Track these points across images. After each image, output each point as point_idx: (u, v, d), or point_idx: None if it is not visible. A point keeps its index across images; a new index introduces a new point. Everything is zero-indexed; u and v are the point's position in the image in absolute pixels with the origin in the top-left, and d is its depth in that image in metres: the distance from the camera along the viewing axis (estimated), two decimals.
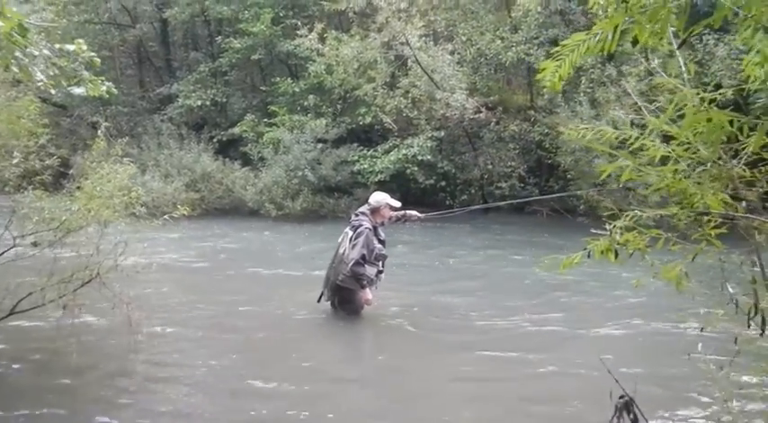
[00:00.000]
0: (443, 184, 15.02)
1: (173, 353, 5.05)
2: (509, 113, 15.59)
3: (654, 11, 1.28)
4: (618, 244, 1.62)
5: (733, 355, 1.99)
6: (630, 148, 1.92)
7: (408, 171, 13.87)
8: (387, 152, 14.08)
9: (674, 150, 1.57)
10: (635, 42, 1.44)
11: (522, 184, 15.03)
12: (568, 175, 13.70)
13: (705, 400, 3.41)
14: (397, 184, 14.21)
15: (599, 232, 1.71)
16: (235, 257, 9.40)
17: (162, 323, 5.55)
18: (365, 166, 13.96)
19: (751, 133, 1.74)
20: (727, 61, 11.04)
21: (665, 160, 2.03)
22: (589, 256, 1.71)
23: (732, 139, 1.77)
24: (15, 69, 4.40)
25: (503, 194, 14.95)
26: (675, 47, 1.72)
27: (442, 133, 14.43)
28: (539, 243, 10.90)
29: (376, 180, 13.63)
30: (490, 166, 15.09)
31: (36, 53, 4.57)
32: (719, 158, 1.56)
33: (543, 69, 1.61)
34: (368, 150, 14.50)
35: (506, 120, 15.09)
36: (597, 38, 1.42)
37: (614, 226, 1.67)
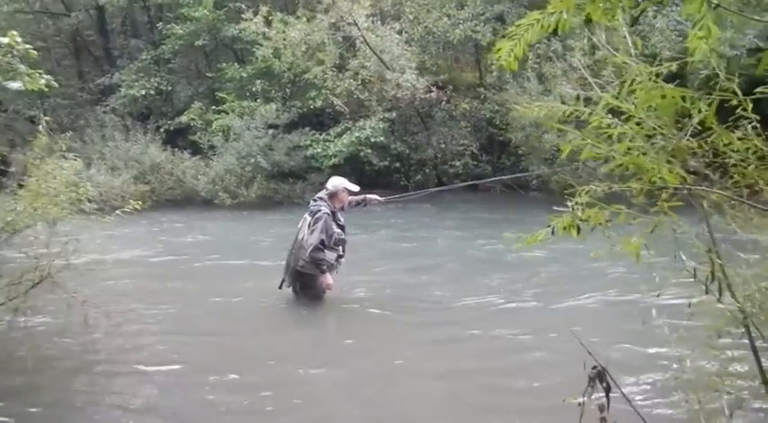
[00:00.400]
0: (397, 165, 15.08)
1: (133, 350, 4.95)
2: (459, 92, 15.72)
3: None
4: (580, 220, 1.67)
5: (687, 319, 2.09)
6: (585, 125, 1.97)
7: (362, 154, 13.85)
8: (339, 135, 14.02)
9: (630, 128, 1.62)
10: (588, 20, 1.47)
11: (476, 162, 15.22)
12: (519, 151, 13.95)
13: (664, 362, 3.57)
14: (351, 166, 14.19)
15: (561, 209, 1.76)
16: (191, 249, 9.24)
17: (120, 320, 5.42)
18: (318, 150, 13.88)
19: (692, 107, 1.81)
20: (667, 32, 11.36)
21: (613, 135, 2.10)
22: (553, 233, 1.75)
23: (677, 112, 1.84)
24: None
25: (456, 173, 15.12)
26: (624, 24, 1.76)
27: (394, 114, 14.44)
28: (500, 220, 11.08)
29: (330, 164, 13.58)
30: (443, 146, 15.22)
31: None
32: (673, 134, 1.62)
33: (499, 49, 1.63)
34: (320, 134, 14.40)
35: (457, 98, 15.21)
36: (553, 17, 1.44)
37: (576, 202, 1.71)
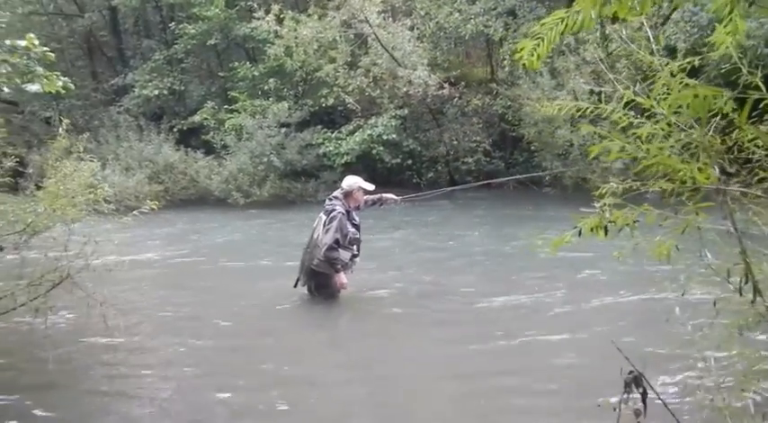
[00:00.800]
0: (410, 162, 15.05)
1: (151, 350, 5.00)
2: (471, 87, 15.65)
3: None
4: (609, 222, 1.65)
5: (711, 317, 2.07)
6: (601, 121, 1.95)
7: (374, 151, 13.84)
8: (351, 133, 14.01)
9: (661, 128, 1.60)
10: (615, 19, 1.46)
11: (488, 158, 15.16)
12: (532, 147, 13.88)
13: (689, 361, 3.51)
14: (364, 164, 14.19)
15: (587, 210, 1.74)
16: (207, 249, 9.30)
17: (138, 321, 5.47)
18: (330, 148, 13.89)
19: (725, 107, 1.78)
20: (681, 24, 11.25)
21: (628, 129, 2.08)
22: (580, 235, 1.74)
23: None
24: None
25: (469, 170, 15.08)
26: (649, 21, 1.74)
27: (406, 111, 14.41)
28: (516, 216, 11.02)
29: (342, 162, 13.59)
30: (455, 142, 15.17)
31: None
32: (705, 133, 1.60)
33: (521, 48, 1.62)
34: (332, 132, 14.41)
35: (468, 94, 15.15)
36: (579, 16, 1.43)
37: (603, 203, 1.70)
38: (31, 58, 4.86)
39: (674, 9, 9.06)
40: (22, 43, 4.69)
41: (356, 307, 5.87)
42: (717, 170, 1.60)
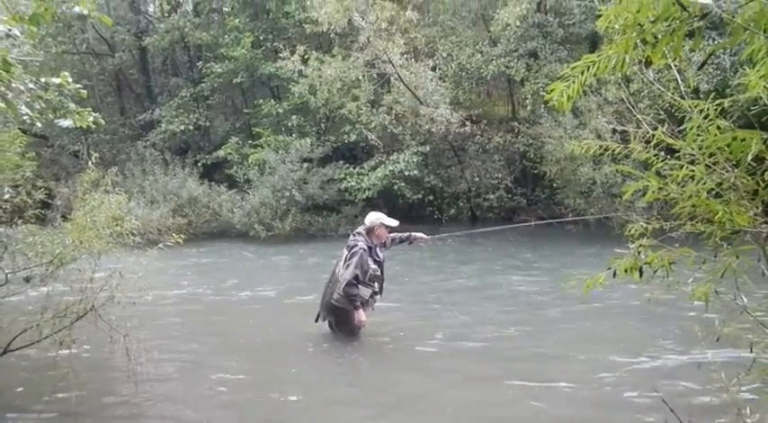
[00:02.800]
0: (431, 198, 15.10)
1: (174, 385, 4.97)
2: (492, 125, 15.78)
3: (669, 33, 1.31)
4: (644, 264, 1.63)
5: (749, 365, 2.00)
6: (636, 161, 1.94)
7: (396, 187, 13.91)
8: (373, 169, 14.12)
9: (699, 171, 1.59)
10: (648, 63, 1.47)
11: (510, 195, 15.16)
12: (554, 184, 13.85)
13: (724, 410, 3.38)
14: (385, 200, 14.26)
15: (622, 251, 1.72)
16: (228, 282, 9.32)
17: (162, 354, 5.45)
18: (352, 183, 13.99)
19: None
20: (704, 66, 11.23)
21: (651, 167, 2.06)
22: (615, 276, 1.71)
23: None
24: (1, 105, 4.36)
25: (490, 206, 15.09)
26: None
27: (428, 148, 14.52)
28: (542, 254, 10.90)
29: (363, 197, 13.66)
30: (477, 179, 15.21)
31: (22, 88, 4.55)
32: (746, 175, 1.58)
33: (552, 90, 1.63)
34: (354, 168, 14.54)
35: (490, 132, 15.26)
36: (614, 60, 1.44)
37: (639, 244, 1.68)
38: (64, 95, 5.01)
39: (710, 55, 9.08)
40: (57, 81, 4.84)
41: (377, 346, 5.80)
42: (760, 212, 1.58)
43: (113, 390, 4.78)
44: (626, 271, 1.65)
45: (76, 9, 4.54)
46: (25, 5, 4.49)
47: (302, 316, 6.27)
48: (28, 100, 4.63)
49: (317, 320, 5.88)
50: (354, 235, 5.80)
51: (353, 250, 5.59)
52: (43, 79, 4.92)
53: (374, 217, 5.85)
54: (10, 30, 4.26)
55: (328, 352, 5.76)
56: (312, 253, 11.94)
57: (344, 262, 5.62)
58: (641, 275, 1.66)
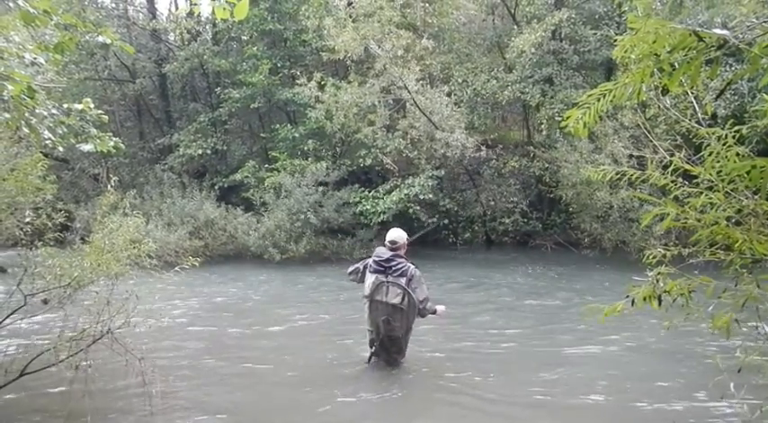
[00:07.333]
0: (446, 221, 15.07)
1: (190, 410, 4.94)
2: (507, 150, 15.79)
3: (686, 62, 1.32)
4: (664, 292, 1.61)
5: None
6: (652, 186, 1.93)
7: (411, 211, 13.91)
8: (388, 192, 14.15)
9: (718, 198, 1.58)
10: (665, 91, 1.47)
11: (525, 219, 15.11)
12: (570, 208, 13.79)
13: None
14: (400, 223, 14.12)
15: (640, 279, 1.71)
16: (246, 306, 9.32)
17: (177, 378, 5.45)
18: (368, 206, 14.01)
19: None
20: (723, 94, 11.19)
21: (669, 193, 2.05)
22: (633, 304, 1.69)
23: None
24: (26, 130, 4.45)
25: (506, 230, 15.05)
26: (712, 96, 1.75)
27: (443, 172, 14.53)
28: (559, 281, 10.78)
29: (379, 220, 13.67)
30: (492, 203, 15.19)
31: (45, 114, 4.65)
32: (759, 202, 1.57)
33: (568, 117, 1.64)
34: (369, 191, 14.57)
35: (505, 156, 15.27)
36: (630, 89, 1.44)
37: (658, 272, 1.66)
38: (86, 120, 5.11)
39: (728, 84, 9.06)
40: (79, 107, 4.95)
41: (420, 377, 5.71)
42: None
43: (129, 413, 4.77)
44: (645, 299, 1.63)
45: (100, 38, 4.66)
46: (51, 35, 4.61)
47: (319, 339, 6.24)
48: (51, 125, 4.73)
49: (369, 361, 5.75)
50: (390, 260, 5.50)
51: (411, 274, 5.42)
52: (66, 105, 5.04)
53: (400, 232, 5.76)
54: (35, 58, 4.37)
55: (365, 382, 5.65)
56: (327, 274, 11.93)
57: (400, 289, 5.38)
58: (660, 304, 1.64)
